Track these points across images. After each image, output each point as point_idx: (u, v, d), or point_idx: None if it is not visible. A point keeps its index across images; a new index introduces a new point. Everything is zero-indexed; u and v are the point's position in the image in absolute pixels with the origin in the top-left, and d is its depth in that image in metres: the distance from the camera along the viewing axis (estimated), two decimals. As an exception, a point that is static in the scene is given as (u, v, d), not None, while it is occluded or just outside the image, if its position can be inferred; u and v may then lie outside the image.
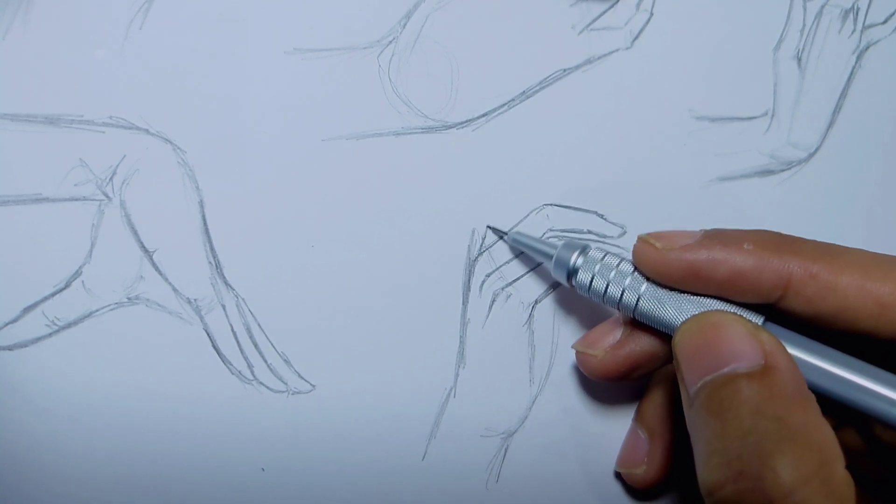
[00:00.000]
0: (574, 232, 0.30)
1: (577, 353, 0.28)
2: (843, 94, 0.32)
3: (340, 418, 0.28)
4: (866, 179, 0.32)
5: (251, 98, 0.28)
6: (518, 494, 0.29)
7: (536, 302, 0.30)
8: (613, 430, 0.30)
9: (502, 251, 0.30)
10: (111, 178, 0.28)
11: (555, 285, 0.30)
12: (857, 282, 0.23)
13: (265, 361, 0.28)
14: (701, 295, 0.24)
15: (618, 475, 0.30)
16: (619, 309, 0.26)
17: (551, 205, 0.30)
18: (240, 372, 0.28)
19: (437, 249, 0.29)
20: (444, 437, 0.29)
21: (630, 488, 0.30)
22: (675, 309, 0.24)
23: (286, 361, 0.28)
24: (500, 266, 0.30)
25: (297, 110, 0.29)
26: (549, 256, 0.27)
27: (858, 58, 0.32)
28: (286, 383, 0.28)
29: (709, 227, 0.25)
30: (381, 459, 0.28)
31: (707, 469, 0.21)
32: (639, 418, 0.29)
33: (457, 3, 0.30)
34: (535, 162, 0.30)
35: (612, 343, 0.27)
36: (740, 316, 0.23)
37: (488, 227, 0.29)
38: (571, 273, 0.26)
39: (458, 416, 0.29)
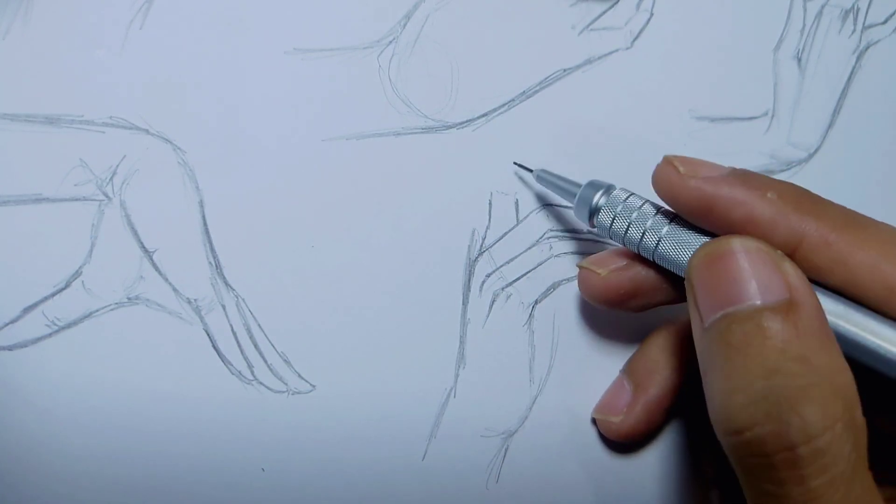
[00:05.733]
0: (573, 231, 0.30)
1: (581, 269, 0.27)
2: (843, 94, 0.32)
3: (340, 418, 0.28)
4: (866, 179, 0.32)
5: (251, 98, 0.28)
6: (518, 494, 0.29)
7: (536, 302, 0.30)
8: (613, 430, 0.30)
9: (502, 251, 0.30)
10: (111, 178, 0.28)
11: (555, 285, 0.30)
12: (871, 260, 0.22)
13: (265, 361, 0.28)
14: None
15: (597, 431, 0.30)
16: (638, 250, 0.26)
17: (551, 205, 0.30)
18: (240, 372, 0.28)
19: (437, 249, 0.29)
20: (444, 438, 0.29)
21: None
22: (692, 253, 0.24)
23: (286, 361, 0.28)
24: (501, 266, 0.30)
25: (297, 110, 0.29)
26: (573, 195, 0.27)
27: (858, 58, 0.32)
28: (286, 383, 0.28)
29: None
30: (381, 459, 0.28)
31: (732, 407, 0.20)
32: (627, 369, 0.29)
33: (457, 3, 0.30)
34: (536, 162, 0.30)
35: (618, 266, 0.26)
36: (764, 244, 0.22)
37: (514, 163, 0.29)
38: (593, 212, 0.26)
39: (458, 417, 0.29)
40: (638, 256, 0.26)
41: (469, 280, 0.29)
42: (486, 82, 0.30)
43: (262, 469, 0.28)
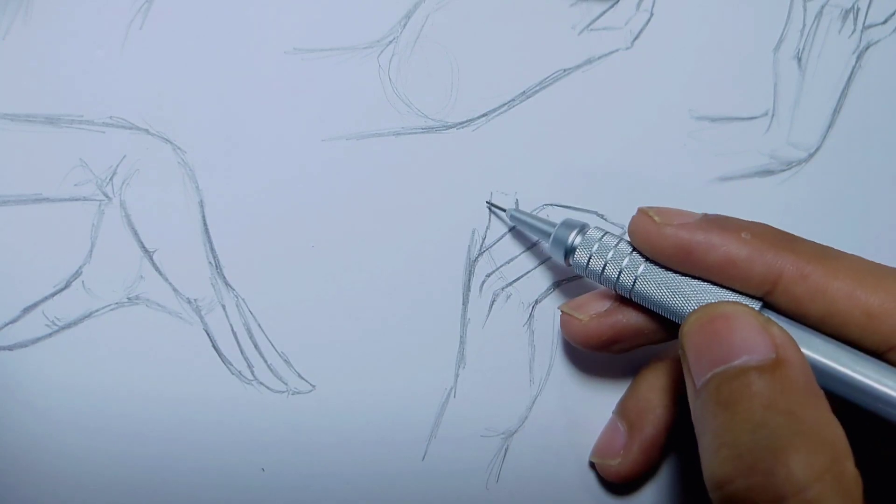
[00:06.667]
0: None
1: (563, 314, 0.28)
2: (843, 94, 0.32)
3: (340, 418, 0.28)
4: (866, 179, 0.32)
5: (251, 98, 0.28)
6: (518, 494, 0.29)
7: (536, 302, 0.30)
8: (613, 430, 0.30)
9: (502, 251, 0.30)
10: (111, 178, 0.28)
11: (555, 285, 0.30)
12: (848, 288, 0.22)
13: (265, 361, 0.28)
14: (698, 279, 0.24)
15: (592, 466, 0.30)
16: (615, 289, 0.26)
17: (551, 205, 0.30)
18: (240, 372, 0.28)
19: (437, 250, 0.29)
20: (444, 438, 0.29)
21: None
22: (671, 291, 0.24)
23: (286, 361, 0.28)
24: (501, 266, 0.30)
25: (297, 110, 0.29)
26: (548, 235, 0.27)
27: (858, 58, 0.32)
28: (286, 383, 0.28)
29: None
30: (381, 460, 0.28)
31: (717, 461, 0.20)
32: (619, 411, 0.29)
33: (457, 3, 0.30)
34: (535, 162, 0.30)
35: (600, 311, 0.27)
36: (751, 308, 0.22)
37: (487, 202, 0.29)
38: (569, 252, 0.26)
39: (458, 417, 0.29)
40: (619, 298, 0.27)
41: (469, 280, 0.29)
42: (486, 82, 0.30)
43: (262, 469, 0.28)
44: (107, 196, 0.28)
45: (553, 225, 0.27)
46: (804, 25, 0.32)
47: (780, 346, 0.21)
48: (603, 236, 0.26)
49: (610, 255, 0.25)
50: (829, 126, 0.32)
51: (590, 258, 0.26)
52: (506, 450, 0.29)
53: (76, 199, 0.27)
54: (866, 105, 0.32)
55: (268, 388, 0.28)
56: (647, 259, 0.25)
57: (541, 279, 0.30)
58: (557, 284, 0.30)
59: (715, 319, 0.22)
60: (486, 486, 0.29)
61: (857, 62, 0.32)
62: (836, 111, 0.32)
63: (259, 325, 0.28)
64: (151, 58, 0.28)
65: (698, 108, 0.31)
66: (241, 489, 0.28)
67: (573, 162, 0.30)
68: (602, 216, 0.30)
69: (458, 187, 0.29)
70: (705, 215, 0.25)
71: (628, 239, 0.26)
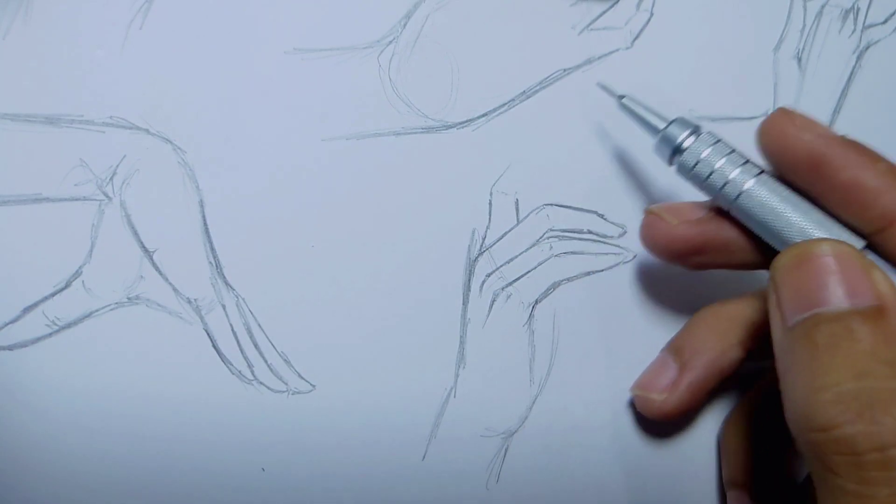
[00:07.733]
0: (574, 231, 0.30)
1: (648, 215, 0.27)
2: (843, 94, 0.32)
3: (340, 418, 0.28)
4: (866, 179, 0.32)
5: (251, 98, 0.28)
6: (518, 494, 0.29)
7: (536, 302, 0.30)
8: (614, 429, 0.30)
9: (502, 251, 0.30)
10: (111, 178, 0.28)
11: (555, 285, 0.30)
12: None
13: (265, 361, 0.28)
14: (808, 205, 0.23)
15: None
16: (715, 199, 0.25)
17: (551, 205, 0.30)
18: (240, 372, 0.28)
19: (437, 249, 0.29)
20: (444, 438, 0.29)
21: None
22: (775, 214, 0.23)
23: (286, 361, 0.28)
24: (500, 266, 0.30)
25: (297, 110, 0.29)
26: (656, 130, 0.26)
27: (858, 58, 0.32)
28: (286, 383, 0.28)
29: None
30: (381, 460, 0.28)
31: (817, 403, 0.20)
32: (672, 348, 0.28)
33: (457, 3, 0.30)
34: (535, 162, 0.30)
35: (691, 218, 0.26)
36: (855, 249, 0.21)
37: (598, 83, 0.28)
38: (676, 151, 0.25)
39: (458, 417, 0.29)
40: (714, 214, 0.26)
41: (469, 280, 0.29)
42: (486, 82, 0.30)
43: (262, 469, 0.28)
44: (107, 196, 0.28)
45: (665, 120, 0.26)
46: (804, 25, 0.32)
47: (884, 294, 0.20)
48: (716, 142, 0.25)
49: (720, 162, 0.24)
50: (829, 126, 0.32)
51: (697, 162, 0.25)
52: (506, 450, 0.29)
53: (76, 199, 0.27)
54: (866, 105, 0.32)
55: (268, 388, 0.28)
56: (757, 176, 0.24)
57: (541, 279, 0.30)
58: (557, 284, 0.30)
59: (816, 257, 0.21)
60: (486, 486, 0.29)
61: (857, 62, 0.32)
62: (836, 111, 0.32)
63: (259, 325, 0.28)
64: (151, 58, 0.28)
65: (698, 108, 0.31)
66: (241, 489, 0.28)
67: (573, 162, 0.30)
68: (602, 216, 0.30)
69: (458, 187, 0.29)
70: (845, 136, 0.23)
71: (741, 152, 0.25)
